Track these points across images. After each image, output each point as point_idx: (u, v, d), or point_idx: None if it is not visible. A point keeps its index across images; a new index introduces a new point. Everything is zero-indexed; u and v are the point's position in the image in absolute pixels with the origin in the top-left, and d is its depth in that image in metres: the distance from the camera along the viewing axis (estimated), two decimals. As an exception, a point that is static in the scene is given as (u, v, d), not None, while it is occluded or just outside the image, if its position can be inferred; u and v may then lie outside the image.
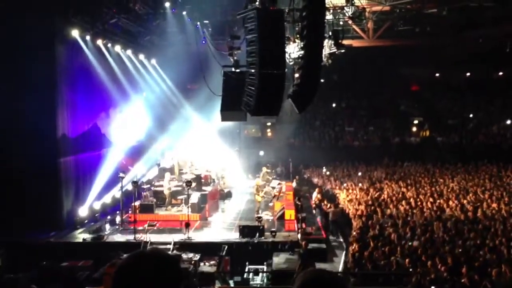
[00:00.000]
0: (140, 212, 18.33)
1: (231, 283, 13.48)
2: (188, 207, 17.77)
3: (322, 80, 13.00)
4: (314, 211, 21.12)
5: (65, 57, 17.76)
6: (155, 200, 19.60)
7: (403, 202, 19.00)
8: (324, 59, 15.68)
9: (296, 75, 11.13)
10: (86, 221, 18.19)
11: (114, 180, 19.73)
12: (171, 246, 14.80)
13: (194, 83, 27.21)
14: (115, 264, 12.56)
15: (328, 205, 19.63)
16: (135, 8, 19.85)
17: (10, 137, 15.72)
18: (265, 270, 14.24)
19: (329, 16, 19.00)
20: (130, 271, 1.98)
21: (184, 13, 20.92)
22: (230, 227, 17.98)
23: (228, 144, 29.10)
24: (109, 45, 20.39)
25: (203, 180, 21.47)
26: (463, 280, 10.36)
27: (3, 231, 15.06)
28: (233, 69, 12.10)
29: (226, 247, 14.78)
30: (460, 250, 12.66)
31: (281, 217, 18.68)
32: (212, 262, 14.00)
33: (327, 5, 16.20)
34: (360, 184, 23.96)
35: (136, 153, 24.30)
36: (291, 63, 12.98)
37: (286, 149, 32.21)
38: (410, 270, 11.63)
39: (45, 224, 16.50)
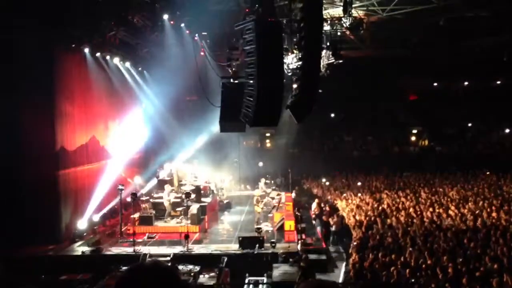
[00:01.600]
0: (139, 224, 18.28)
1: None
2: (187, 218, 17.70)
3: (320, 91, 13.02)
4: (313, 222, 21.06)
5: (64, 69, 17.81)
6: (154, 212, 19.54)
7: (403, 212, 18.96)
8: (322, 70, 15.74)
9: (295, 85, 11.15)
10: (85, 233, 18.10)
11: (113, 193, 19.67)
12: (170, 258, 14.73)
13: (193, 95, 27.26)
14: (115, 276, 12.52)
15: (330, 218, 19.57)
16: (134, 20, 19.90)
17: (8, 150, 15.70)
18: (265, 281, 14.16)
19: (326, 27, 19.08)
20: (130, 283, 1.97)
21: (183, 25, 21.00)
22: (229, 239, 17.90)
23: (227, 155, 29.08)
24: (108, 57, 20.45)
25: (202, 192, 21.42)
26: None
27: (2, 244, 14.98)
28: (231, 80, 12.13)
29: (226, 258, 14.70)
30: (460, 259, 12.61)
31: (281, 228, 18.62)
32: (211, 274, 13.95)
33: (324, 16, 16.32)
34: (359, 194, 23.92)
35: (135, 165, 24.26)
36: (290, 74, 13.01)
37: (285, 159, 32.18)
38: (411, 280, 11.57)
39: (44, 237, 16.44)
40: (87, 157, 19.56)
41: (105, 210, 20.02)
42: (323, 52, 15.39)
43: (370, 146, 36.80)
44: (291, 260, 14.76)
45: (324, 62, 15.92)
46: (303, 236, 17.44)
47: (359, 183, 27.90)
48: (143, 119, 25.94)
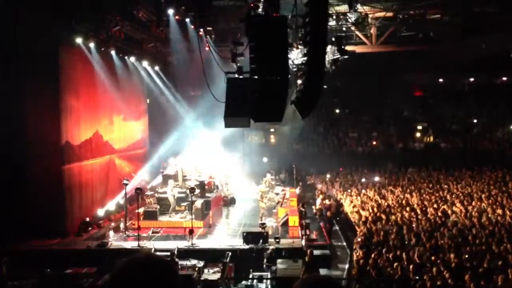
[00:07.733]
0: (144, 219, 18.31)
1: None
2: (192, 213, 17.73)
3: (325, 86, 13.01)
4: (317, 217, 21.06)
5: (69, 64, 17.84)
6: (158, 207, 19.57)
7: (408, 208, 18.92)
8: (327, 65, 15.68)
9: (299, 81, 11.13)
10: (90, 228, 18.17)
11: (117, 187, 19.73)
12: (175, 253, 14.77)
13: (198, 90, 27.25)
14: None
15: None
16: (139, 15, 19.93)
17: (14, 144, 15.76)
18: (269, 276, 14.18)
19: (332, 22, 19.00)
20: (125, 276, 1.99)
21: (188, 20, 20.97)
22: (234, 234, 17.92)
23: (232, 151, 29.07)
24: (113, 52, 20.44)
25: (206, 187, 21.42)
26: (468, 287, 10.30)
27: (7, 238, 15.07)
28: (236, 76, 12.11)
29: (230, 253, 14.73)
30: (465, 256, 12.58)
31: (285, 224, 18.61)
32: (216, 269, 13.98)
33: (330, 11, 16.25)
34: (364, 190, 23.89)
35: (139, 160, 24.29)
36: (294, 69, 12.98)
37: (290, 155, 32.17)
38: (415, 277, 11.56)
39: (49, 231, 16.51)
40: (92, 151, 19.61)
41: (110, 205, 20.09)
42: (328, 48, 15.30)
43: (375, 142, 36.70)
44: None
45: (329, 57, 15.84)
46: (307, 232, 17.45)
47: (363, 179, 27.86)
48: (148, 114, 25.92)
